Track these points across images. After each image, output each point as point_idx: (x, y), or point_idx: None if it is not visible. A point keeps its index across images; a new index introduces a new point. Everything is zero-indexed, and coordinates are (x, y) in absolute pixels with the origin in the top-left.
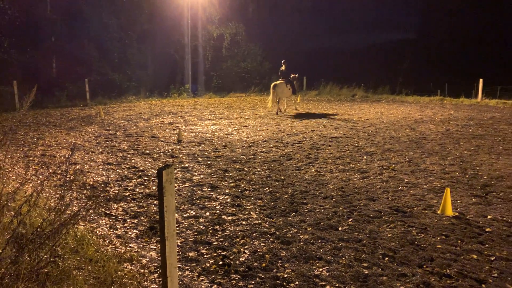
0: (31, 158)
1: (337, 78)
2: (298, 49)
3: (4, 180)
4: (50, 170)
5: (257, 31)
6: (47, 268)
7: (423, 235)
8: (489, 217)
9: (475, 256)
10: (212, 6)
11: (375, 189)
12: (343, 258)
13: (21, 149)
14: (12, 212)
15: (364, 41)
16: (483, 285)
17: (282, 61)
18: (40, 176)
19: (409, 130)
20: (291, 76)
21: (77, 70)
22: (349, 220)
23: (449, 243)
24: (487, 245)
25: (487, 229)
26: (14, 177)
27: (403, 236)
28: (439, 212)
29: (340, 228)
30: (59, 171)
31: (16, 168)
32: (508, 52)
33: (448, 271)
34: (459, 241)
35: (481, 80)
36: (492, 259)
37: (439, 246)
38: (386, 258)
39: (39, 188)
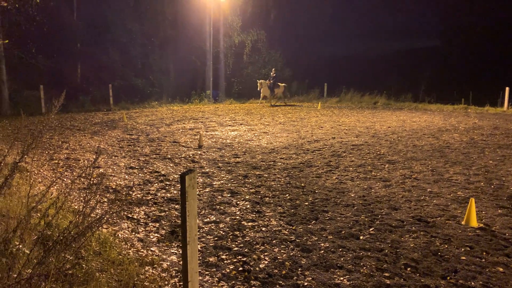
0: (56, 161)
1: (359, 85)
2: (319, 56)
3: (31, 182)
4: (75, 173)
5: (278, 37)
6: (72, 269)
7: (446, 246)
8: None
9: (501, 269)
10: (234, 13)
11: (397, 198)
12: (364, 268)
13: (46, 152)
14: (39, 214)
15: (386, 48)
16: None
17: (273, 69)
18: (65, 179)
19: (432, 139)
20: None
21: (101, 75)
22: (371, 229)
23: (473, 254)
24: None
25: None
26: (40, 180)
27: (426, 247)
28: (463, 222)
29: (361, 237)
30: (83, 175)
31: (41, 170)
32: None
33: (472, 283)
34: (484, 253)
35: (507, 88)
36: None
37: (463, 258)
38: (409, 269)
39: (66, 191)
